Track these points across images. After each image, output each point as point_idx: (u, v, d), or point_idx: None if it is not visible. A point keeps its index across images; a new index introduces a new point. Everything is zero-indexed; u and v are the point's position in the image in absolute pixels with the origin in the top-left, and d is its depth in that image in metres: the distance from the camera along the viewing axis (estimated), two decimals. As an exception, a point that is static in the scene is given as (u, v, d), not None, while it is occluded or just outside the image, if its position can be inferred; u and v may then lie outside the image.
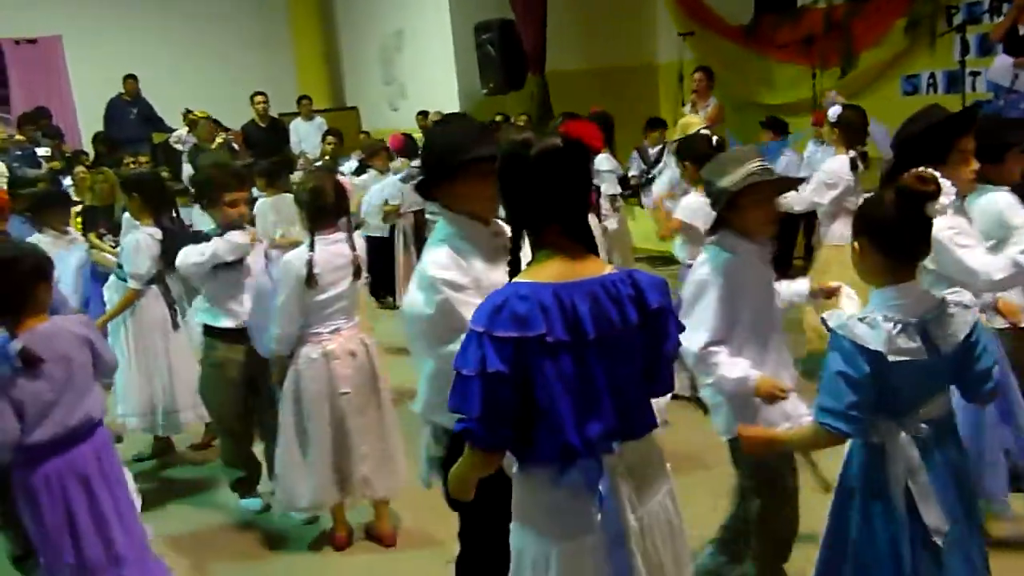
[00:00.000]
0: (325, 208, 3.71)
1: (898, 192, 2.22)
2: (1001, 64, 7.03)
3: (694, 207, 4.41)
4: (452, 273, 2.50)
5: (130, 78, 11.93)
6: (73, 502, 3.00)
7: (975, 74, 8.03)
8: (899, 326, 2.18)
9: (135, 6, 13.21)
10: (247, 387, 4.23)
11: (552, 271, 1.97)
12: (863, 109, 5.44)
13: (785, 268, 5.88)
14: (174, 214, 4.97)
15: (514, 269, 2.05)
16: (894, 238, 2.23)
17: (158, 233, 4.71)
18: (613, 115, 7.61)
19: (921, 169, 2.24)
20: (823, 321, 2.30)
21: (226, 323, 4.16)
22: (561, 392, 1.93)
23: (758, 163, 2.81)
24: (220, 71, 13.15)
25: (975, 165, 3.20)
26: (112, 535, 3.07)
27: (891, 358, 2.15)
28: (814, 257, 5.82)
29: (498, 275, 2.66)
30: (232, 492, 4.47)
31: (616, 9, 11.53)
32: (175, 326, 4.88)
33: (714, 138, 4.59)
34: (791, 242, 7.59)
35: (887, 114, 6.12)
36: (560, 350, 1.92)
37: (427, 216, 6.52)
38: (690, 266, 3.43)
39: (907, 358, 2.16)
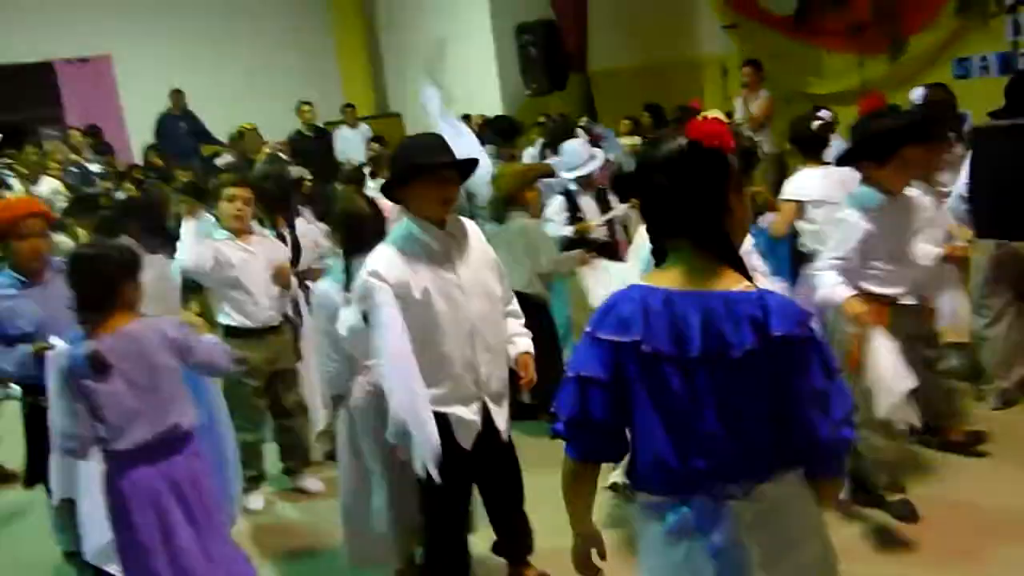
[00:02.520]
0: (362, 229, 3.45)
1: None
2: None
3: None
4: (382, 265, 2.95)
5: (177, 92, 12.10)
6: (167, 511, 2.98)
7: (1030, 55, 7.82)
8: None
9: (181, 23, 13.39)
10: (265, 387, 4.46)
11: (672, 277, 1.81)
12: (948, 88, 5.40)
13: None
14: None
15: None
16: None
17: None
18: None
19: None
20: None
21: (242, 321, 4.43)
22: (659, 410, 1.75)
23: None
24: (265, 83, 13.29)
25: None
26: (206, 544, 3.05)
27: None
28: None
29: (451, 275, 3.02)
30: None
31: (657, 4, 11.43)
32: None
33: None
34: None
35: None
36: (660, 362, 1.74)
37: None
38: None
39: None
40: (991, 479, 3.98)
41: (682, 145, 1.79)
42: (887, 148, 3.53)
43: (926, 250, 3.77)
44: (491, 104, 11.24)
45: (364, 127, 11.99)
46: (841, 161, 3.89)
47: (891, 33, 9.10)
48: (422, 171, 2.97)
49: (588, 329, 1.83)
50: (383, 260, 2.99)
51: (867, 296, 3.59)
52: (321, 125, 11.58)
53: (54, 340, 3.72)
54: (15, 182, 7.78)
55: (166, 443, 2.99)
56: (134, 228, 5.76)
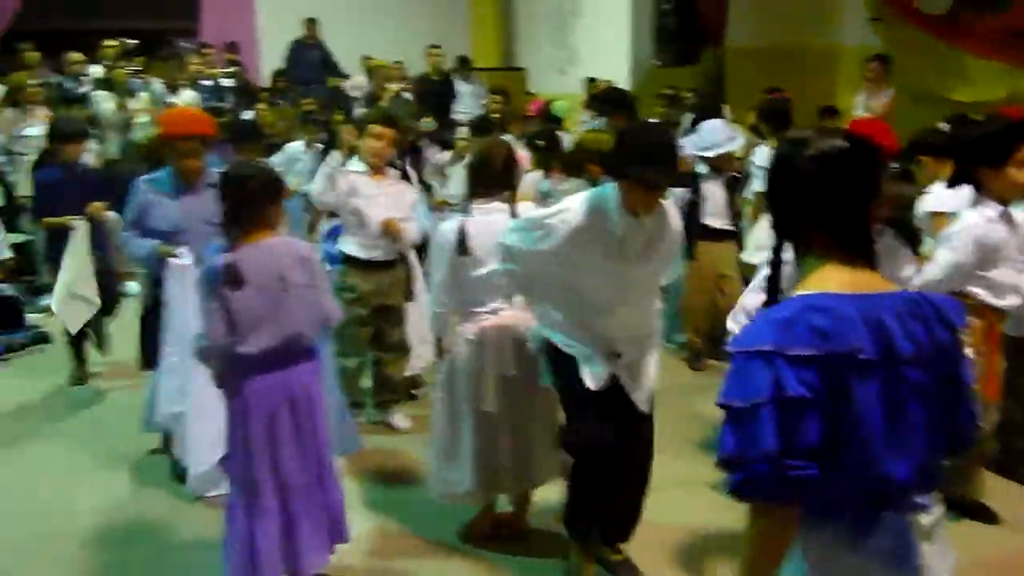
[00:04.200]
0: (485, 173, 3.54)
1: None
2: None
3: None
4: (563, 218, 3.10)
5: (311, 21, 12.29)
6: (278, 422, 3.13)
7: None
8: None
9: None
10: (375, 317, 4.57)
11: (842, 282, 1.69)
12: None
13: None
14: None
15: (773, 286, 1.81)
16: None
17: None
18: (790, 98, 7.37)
19: None
20: None
21: (356, 252, 4.57)
22: (871, 421, 1.63)
23: None
24: (396, 22, 13.37)
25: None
26: (308, 460, 3.19)
27: None
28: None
29: (616, 264, 3.08)
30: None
31: (804, -14, 11.08)
32: None
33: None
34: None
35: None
36: (871, 370, 1.62)
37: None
38: None
39: None
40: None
41: (846, 143, 1.73)
42: (1001, 148, 3.44)
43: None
44: (617, 70, 11.10)
45: (476, 83, 11.84)
46: (956, 171, 3.72)
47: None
48: (628, 177, 3.00)
49: (765, 348, 1.60)
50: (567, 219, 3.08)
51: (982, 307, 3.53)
52: (447, 71, 11.61)
53: (181, 251, 3.96)
54: (143, 93, 8.04)
55: (288, 353, 3.13)
56: (252, 148, 5.95)
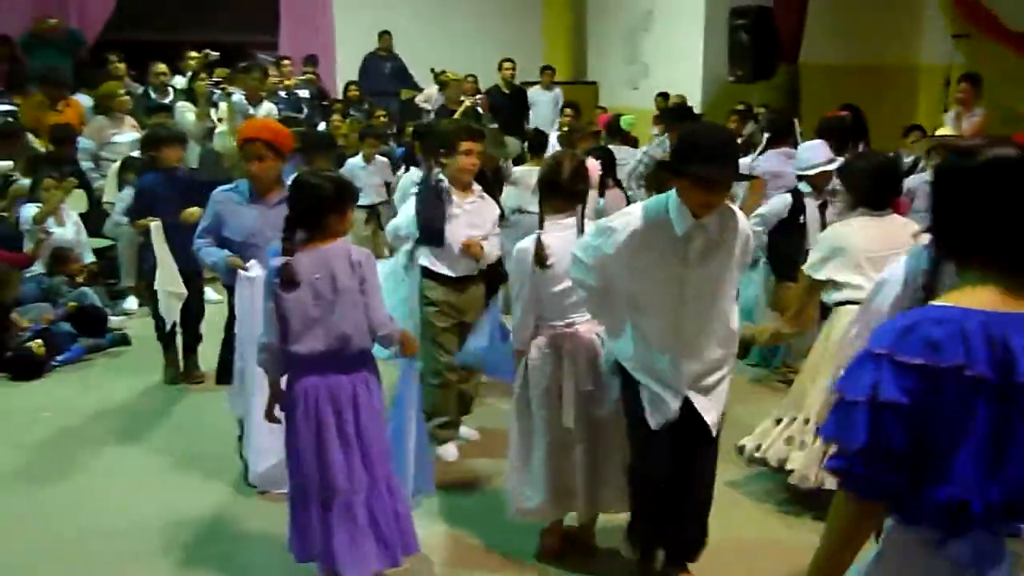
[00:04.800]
0: (556, 186, 3.54)
1: None
2: None
3: None
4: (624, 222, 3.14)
5: (385, 34, 12.48)
6: (323, 423, 3.21)
7: None
8: None
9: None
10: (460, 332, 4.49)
11: (983, 298, 1.67)
12: None
13: None
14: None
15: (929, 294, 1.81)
16: None
17: None
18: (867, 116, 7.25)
19: None
20: None
21: (441, 268, 4.50)
22: (968, 438, 1.62)
23: None
24: (469, 35, 13.53)
25: None
26: (354, 469, 3.25)
27: None
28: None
29: (678, 267, 3.09)
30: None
31: (881, 3, 10.89)
32: None
33: None
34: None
35: None
36: (979, 388, 1.60)
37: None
38: None
39: None
40: None
41: (1019, 151, 1.69)
42: None
43: None
44: (691, 85, 11.04)
45: (557, 91, 12.03)
46: None
47: None
48: (685, 175, 3.01)
49: (880, 351, 1.65)
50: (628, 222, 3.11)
51: None
52: (520, 84, 11.68)
53: (251, 264, 4.04)
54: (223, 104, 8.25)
55: (337, 358, 3.21)
56: (323, 158, 6.06)
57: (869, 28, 10.91)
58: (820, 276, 4.03)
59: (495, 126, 8.18)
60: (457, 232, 4.50)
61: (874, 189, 3.96)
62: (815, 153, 5.43)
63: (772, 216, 5.52)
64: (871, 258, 3.84)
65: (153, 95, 9.13)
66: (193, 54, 9.79)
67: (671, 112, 8.75)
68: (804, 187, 5.48)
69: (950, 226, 1.76)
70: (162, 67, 9.31)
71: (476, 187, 4.66)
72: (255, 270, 4.08)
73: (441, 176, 4.55)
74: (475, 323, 4.63)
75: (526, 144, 7.35)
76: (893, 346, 1.64)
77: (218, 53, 9.41)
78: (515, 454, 3.67)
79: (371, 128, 8.58)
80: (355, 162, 7.86)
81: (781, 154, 6.53)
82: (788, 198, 5.50)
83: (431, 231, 4.46)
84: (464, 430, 4.96)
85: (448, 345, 4.57)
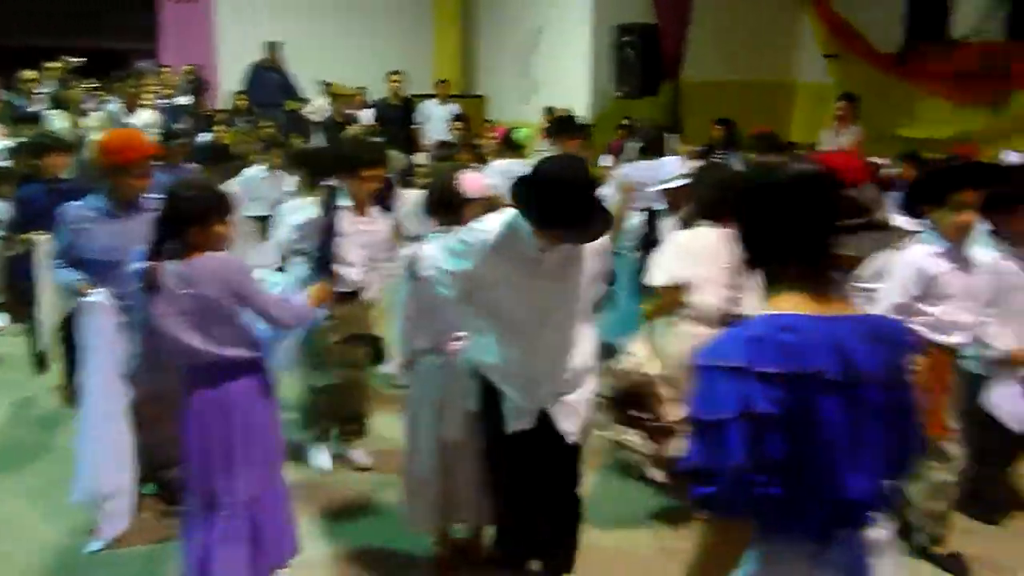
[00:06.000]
0: (437, 200, 3.55)
1: None
2: None
3: None
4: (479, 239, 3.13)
5: (273, 45, 12.26)
6: (214, 435, 3.16)
7: None
8: None
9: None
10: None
11: (802, 303, 1.74)
12: None
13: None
14: None
15: None
16: None
17: None
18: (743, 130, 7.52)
19: None
20: None
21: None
22: (836, 440, 1.66)
23: None
24: (359, 46, 13.41)
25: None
26: (237, 476, 3.18)
27: None
28: None
29: (534, 280, 3.06)
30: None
31: (761, 23, 11.33)
32: None
33: None
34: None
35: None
36: (835, 390, 1.65)
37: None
38: None
39: None
40: None
41: (813, 172, 1.78)
42: (938, 191, 3.55)
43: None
44: (579, 101, 11.20)
45: (452, 106, 11.97)
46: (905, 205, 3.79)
47: (996, 86, 8.90)
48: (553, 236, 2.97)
49: (735, 364, 1.64)
50: (485, 236, 3.07)
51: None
52: (410, 96, 11.63)
53: (95, 291, 3.82)
54: (98, 113, 7.97)
55: (218, 370, 3.15)
56: (219, 169, 5.91)
57: (748, 47, 11.32)
58: (660, 282, 3.98)
59: (381, 139, 8.10)
60: (355, 247, 4.43)
61: (716, 202, 3.94)
62: (672, 167, 5.58)
63: (633, 233, 5.61)
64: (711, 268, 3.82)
65: (18, 103, 8.72)
66: (50, 64, 9.40)
67: (557, 125, 8.84)
68: (657, 205, 5.55)
69: (759, 239, 1.83)
70: (30, 74, 8.92)
71: (373, 208, 4.61)
72: (97, 295, 3.83)
73: (339, 202, 4.42)
74: (364, 336, 4.60)
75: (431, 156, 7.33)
76: (750, 358, 1.64)
77: (82, 59, 9.06)
78: (406, 466, 3.65)
79: (272, 138, 8.35)
80: (254, 172, 7.64)
81: (648, 167, 6.70)
82: (644, 215, 5.62)
83: (323, 265, 4.35)
84: (357, 454, 4.88)
85: (331, 358, 4.53)
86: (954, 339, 3.60)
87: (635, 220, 5.72)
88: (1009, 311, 3.79)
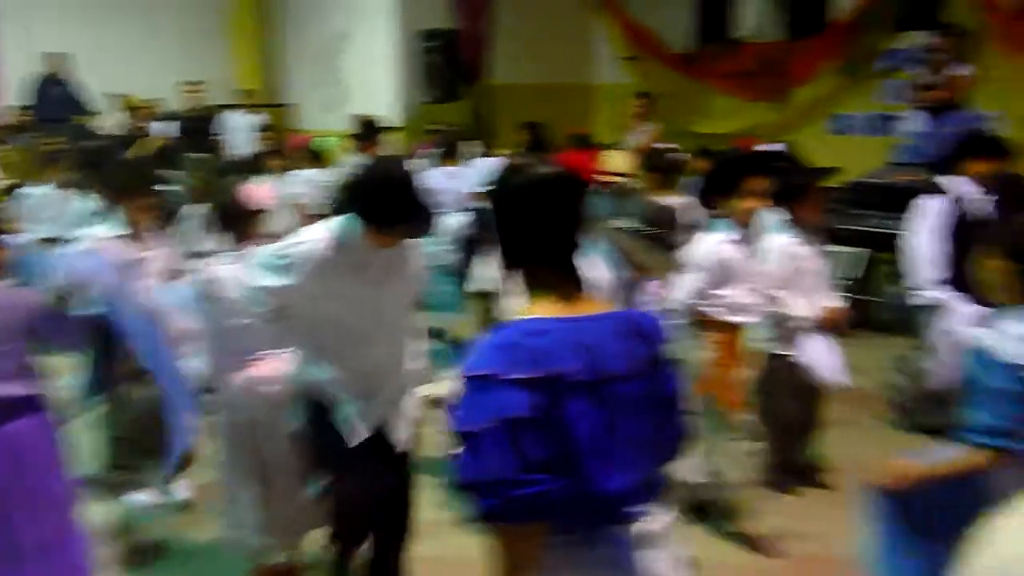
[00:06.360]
0: (226, 216, 3.49)
1: None
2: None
3: None
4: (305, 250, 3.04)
5: (60, 56, 11.52)
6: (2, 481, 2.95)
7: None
8: None
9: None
10: None
11: (552, 307, 1.77)
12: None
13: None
14: None
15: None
16: None
17: None
18: (549, 131, 7.75)
19: None
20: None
21: None
22: (586, 439, 1.69)
23: None
24: (152, 60, 12.79)
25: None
26: (34, 521, 3.00)
27: None
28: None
29: (363, 287, 3.03)
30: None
31: (559, 27, 11.66)
32: None
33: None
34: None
35: (816, 152, 6.33)
36: (583, 389, 1.69)
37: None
38: None
39: None
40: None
41: (554, 173, 1.81)
42: (729, 181, 3.86)
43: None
44: (387, 107, 11.16)
45: (259, 115, 11.54)
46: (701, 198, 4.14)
47: (777, 82, 9.57)
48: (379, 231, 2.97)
49: (485, 373, 1.66)
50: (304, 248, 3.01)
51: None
52: (210, 107, 11.23)
53: None
54: None
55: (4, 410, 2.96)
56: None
57: (549, 50, 11.63)
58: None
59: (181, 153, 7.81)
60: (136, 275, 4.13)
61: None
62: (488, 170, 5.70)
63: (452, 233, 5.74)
64: None
65: None
66: None
67: (361, 131, 8.89)
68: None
69: (510, 241, 1.85)
70: None
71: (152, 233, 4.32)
72: None
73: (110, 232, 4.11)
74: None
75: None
76: (502, 365, 1.66)
77: None
78: (226, 494, 3.56)
79: (59, 153, 7.82)
80: (40, 191, 7.14)
81: (445, 173, 6.94)
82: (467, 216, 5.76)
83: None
84: (181, 489, 4.63)
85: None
86: (746, 318, 3.86)
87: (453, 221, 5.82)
88: (800, 290, 4.17)
